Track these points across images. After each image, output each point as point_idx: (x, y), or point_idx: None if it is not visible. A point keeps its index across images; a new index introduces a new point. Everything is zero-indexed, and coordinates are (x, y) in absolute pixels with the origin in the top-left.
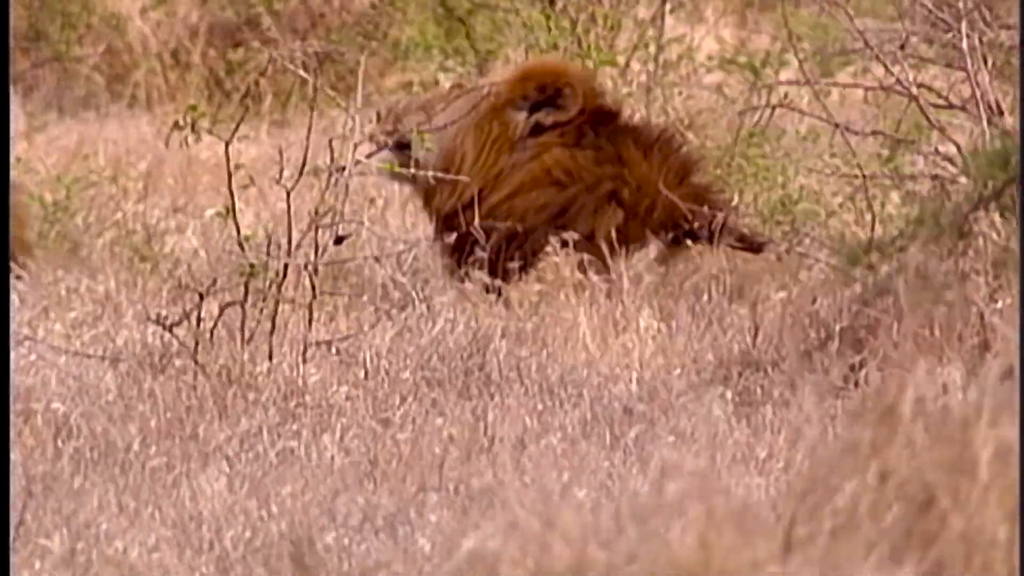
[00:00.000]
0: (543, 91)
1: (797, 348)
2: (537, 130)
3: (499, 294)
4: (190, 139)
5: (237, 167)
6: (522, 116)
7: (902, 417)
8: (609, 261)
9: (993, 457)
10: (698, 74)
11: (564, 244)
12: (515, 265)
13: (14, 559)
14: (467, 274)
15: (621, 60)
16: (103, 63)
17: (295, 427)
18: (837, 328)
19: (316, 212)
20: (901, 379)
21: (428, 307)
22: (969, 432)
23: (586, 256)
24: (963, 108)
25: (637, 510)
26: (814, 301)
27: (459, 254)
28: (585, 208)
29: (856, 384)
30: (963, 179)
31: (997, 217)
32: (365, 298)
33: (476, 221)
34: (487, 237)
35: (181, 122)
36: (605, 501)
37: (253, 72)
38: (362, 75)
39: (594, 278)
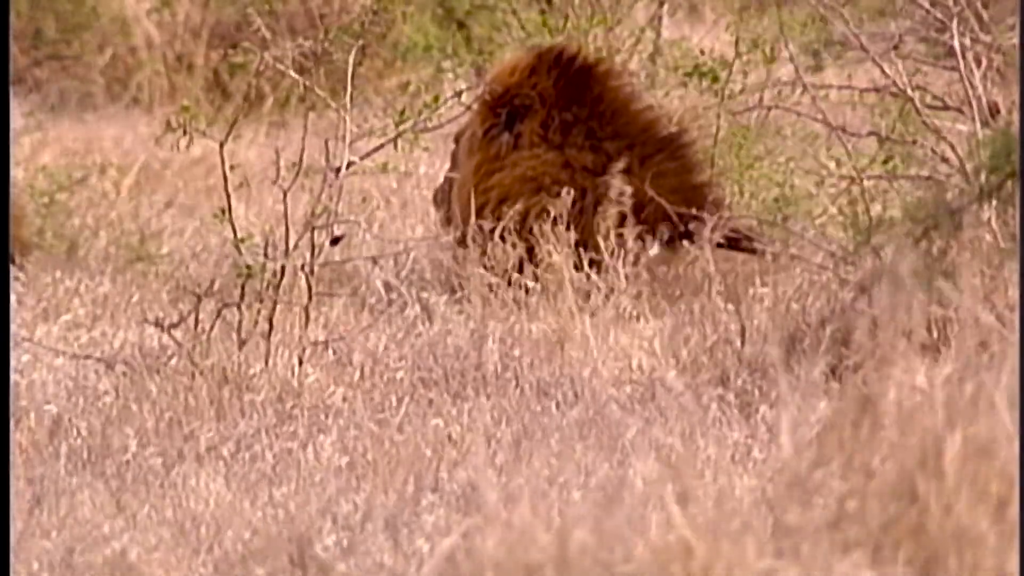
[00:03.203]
0: (511, 108)
1: (788, 348)
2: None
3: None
4: (183, 141)
5: (232, 168)
6: (504, 137)
7: (887, 415)
8: (607, 261)
9: (974, 454)
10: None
11: (562, 244)
12: (512, 266)
13: (13, 560)
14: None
15: (619, 61)
16: (104, 64)
17: (292, 428)
18: (828, 328)
19: (312, 213)
20: (887, 378)
21: (424, 308)
22: (949, 429)
23: (584, 256)
24: (959, 110)
25: (631, 509)
26: (806, 301)
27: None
28: (583, 209)
29: (843, 383)
30: (959, 180)
31: (994, 216)
32: (371, 300)
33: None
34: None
35: (174, 123)
36: (600, 500)
37: (252, 74)
38: (351, 74)
39: (593, 278)
